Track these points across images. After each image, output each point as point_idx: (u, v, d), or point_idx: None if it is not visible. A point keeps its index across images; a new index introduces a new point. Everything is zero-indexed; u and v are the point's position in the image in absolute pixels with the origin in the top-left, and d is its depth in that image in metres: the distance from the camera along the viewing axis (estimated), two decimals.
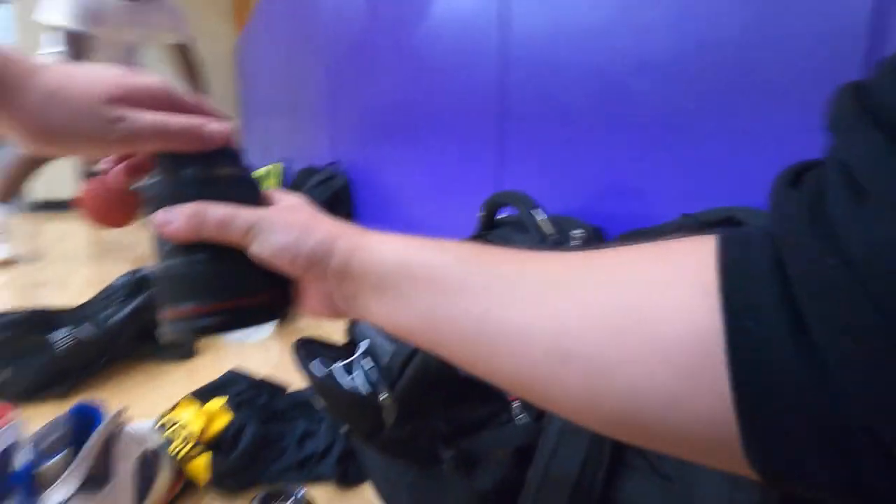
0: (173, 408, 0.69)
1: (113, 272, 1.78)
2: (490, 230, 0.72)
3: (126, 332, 0.98)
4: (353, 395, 0.49)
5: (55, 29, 1.83)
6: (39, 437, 0.51)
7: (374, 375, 0.60)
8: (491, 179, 0.93)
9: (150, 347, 1.02)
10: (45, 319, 0.90)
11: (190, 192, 0.27)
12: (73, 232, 2.70)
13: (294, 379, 0.92)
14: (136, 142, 0.26)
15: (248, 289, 0.28)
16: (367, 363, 0.63)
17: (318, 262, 0.26)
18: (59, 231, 2.74)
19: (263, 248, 0.26)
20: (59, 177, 3.44)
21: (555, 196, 0.77)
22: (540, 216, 0.62)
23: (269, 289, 0.29)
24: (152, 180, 0.28)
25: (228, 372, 0.81)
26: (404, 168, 1.32)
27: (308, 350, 0.55)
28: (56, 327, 0.88)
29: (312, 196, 1.60)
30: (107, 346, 0.95)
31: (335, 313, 0.28)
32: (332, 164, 1.74)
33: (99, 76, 0.26)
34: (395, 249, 0.26)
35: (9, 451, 0.50)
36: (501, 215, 0.75)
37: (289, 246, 0.26)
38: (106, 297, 1.08)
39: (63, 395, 0.86)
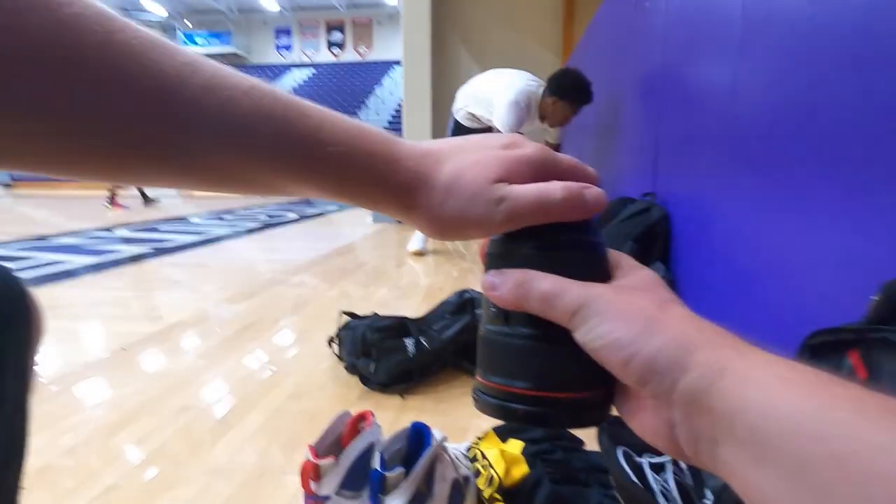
0: (481, 438, 0.75)
1: (450, 275, 2.16)
2: (892, 323, 0.51)
3: (453, 345, 1.14)
4: None
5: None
6: (386, 446, 0.62)
7: (690, 485, 0.50)
8: (886, 240, 0.66)
9: (469, 363, 1.16)
10: (403, 327, 1.13)
11: (525, 254, 0.24)
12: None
13: (589, 433, 0.88)
14: (518, 220, 0.24)
15: (563, 382, 0.23)
16: (680, 470, 0.53)
17: (661, 375, 0.19)
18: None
19: (590, 337, 0.21)
20: None
21: None
22: None
23: (592, 388, 0.23)
24: (497, 236, 0.26)
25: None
26: (743, 207, 1.10)
27: (613, 434, 0.50)
28: (409, 334, 1.10)
29: (625, 228, 1.53)
30: (439, 355, 1.13)
31: (674, 450, 0.20)
32: (648, 194, 1.62)
33: (486, 157, 0.25)
34: (792, 396, 0.17)
35: (371, 448, 0.64)
36: None
37: (622, 342, 0.20)
38: (440, 313, 1.30)
39: (405, 391, 1.06)
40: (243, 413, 0.99)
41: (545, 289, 0.22)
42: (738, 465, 0.17)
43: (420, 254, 2.74)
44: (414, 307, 1.69)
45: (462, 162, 0.25)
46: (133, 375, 1.19)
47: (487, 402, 0.25)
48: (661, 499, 0.44)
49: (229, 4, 18.67)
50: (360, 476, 0.62)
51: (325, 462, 0.61)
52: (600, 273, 0.24)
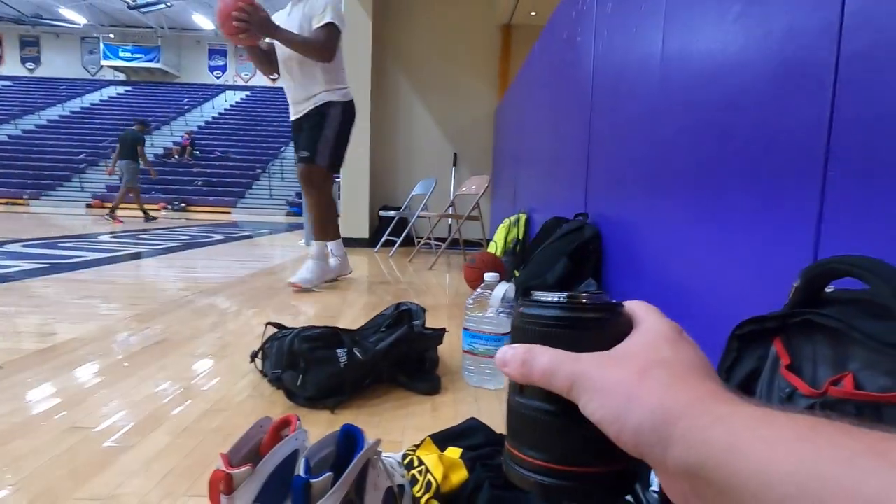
0: (417, 446, 0.69)
1: (384, 299, 2.10)
2: (813, 307, 0.53)
3: (387, 358, 1.08)
4: None
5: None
6: (312, 452, 0.56)
7: None
8: (796, 239, 0.72)
9: (403, 376, 1.11)
10: (335, 337, 1.06)
11: (532, 329, 0.25)
12: (362, 265, 3.32)
13: None
14: None
15: (577, 456, 0.23)
16: None
17: (649, 447, 0.19)
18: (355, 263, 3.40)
19: (587, 413, 0.21)
20: (355, 223, 4.34)
21: None
22: None
23: (607, 461, 0.22)
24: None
25: (470, 419, 0.80)
26: (667, 222, 1.16)
27: None
28: (341, 345, 1.03)
29: (560, 247, 1.56)
30: (373, 367, 1.06)
31: None
32: (581, 214, 1.68)
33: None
34: (780, 460, 0.16)
35: (294, 455, 0.57)
36: (830, 289, 0.55)
37: (608, 419, 0.21)
38: (375, 325, 1.24)
39: (336, 405, 0.98)
40: (144, 434, 0.87)
41: (543, 365, 0.23)
42: None
43: (304, 289, 2.24)
44: (347, 326, 1.61)
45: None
46: (8, 395, 1.01)
47: (510, 468, 0.26)
48: None
49: (159, 20, 17.90)
50: (281, 486, 0.54)
51: (240, 471, 0.53)
52: (607, 342, 0.23)
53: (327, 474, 0.52)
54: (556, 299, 0.24)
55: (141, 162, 7.36)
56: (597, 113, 1.65)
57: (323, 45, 2.13)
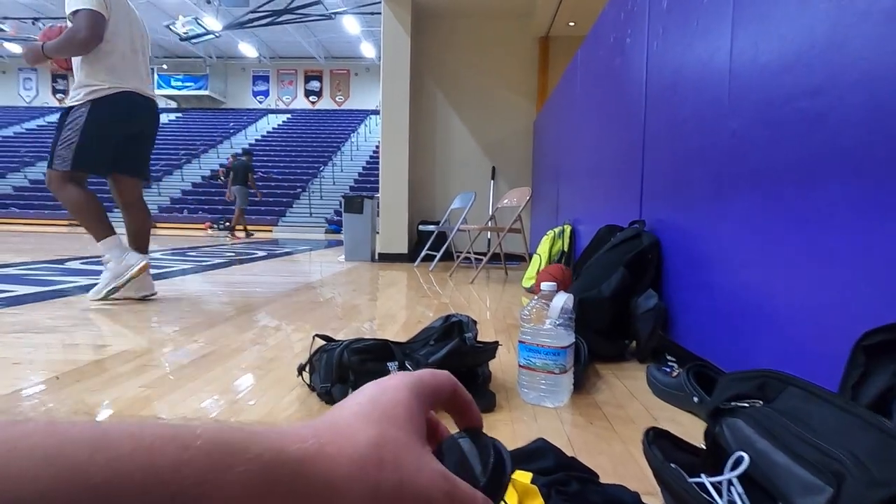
0: None
1: (425, 314, 2.05)
2: None
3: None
4: None
5: None
6: None
7: None
8: (885, 247, 0.62)
9: None
10: (386, 349, 1.01)
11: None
12: (401, 279, 3.30)
13: (600, 465, 0.77)
14: None
15: None
16: (739, 489, 0.43)
17: None
18: (395, 277, 3.39)
19: None
20: (394, 238, 4.34)
21: None
22: None
23: None
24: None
25: (538, 440, 0.72)
26: (739, 226, 1.06)
27: (661, 447, 0.40)
28: (392, 358, 0.98)
29: (615, 255, 1.47)
30: None
31: None
32: (636, 222, 1.59)
33: (409, 408, 0.25)
34: None
35: None
36: None
37: None
38: (425, 337, 1.18)
39: None
40: None
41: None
42: None
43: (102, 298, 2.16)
44: (391, 338, 1.56)
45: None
46: (65, 405, 1.01)
47: None
48: None
49: (208, 50, 18.93)
50: None
51: None
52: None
53: None
54: None
55: (250, 186, 8.68)
56: (652, 113, 1.57)
57: (68, 39, 1.98)
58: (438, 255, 3.81)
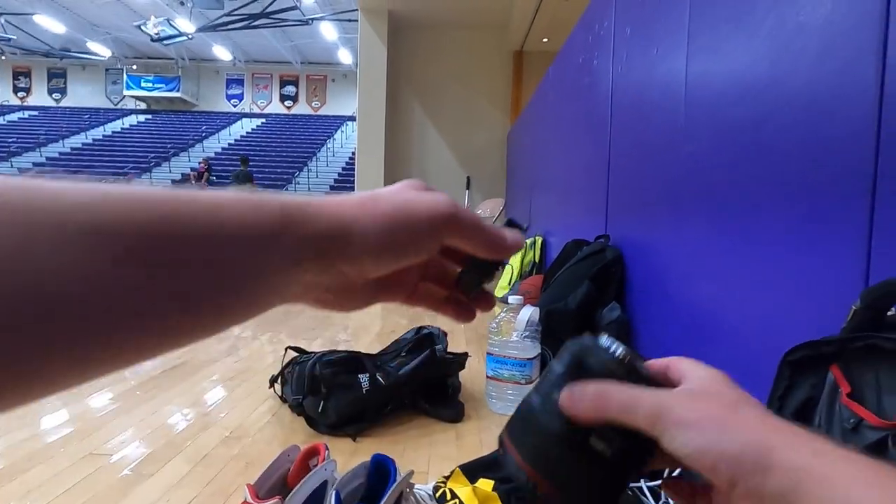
0: (447, 477, 0.66)
1: (399, 323, 2.07)
2: (876, 331, 0.50)
3: (410, 384, 1.05)
4: None
5: None
6: (343, 483, 0.53)
7: None
8: (843, 260, 0.69)
9: (425, 402, 1.07)
10: (358, 362, 1.04)
11: (596, 369, 0.24)
12: None
13: None
14: (461, 226, 0.24)
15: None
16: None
17: (748, 475, 0.20)
18: None
19: (675, 447, 0.21)
20: None
21: None
22: None
23: None
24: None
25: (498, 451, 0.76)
26: (694, 244, 1.13)
27: None
28: (363, 370, 1.01)
29: (581, 269, 1.54)
30: (395, 393, 1.04)
31: None
32: (602, 236, 1.65)
33: (436, 199, 0.25)
34: (870, 495, 0.18)
35: (324, 487, 0.54)
36: (892, 312, 0.51)
37: (704, 449, 0.21)
38: (396, 349, 1.21)
39: (358, 432, 0.95)
40: (164, 461, 0.84)
41: (623, 399, 0.23)
42: None
43: None
44: (363, 349, 1.58)
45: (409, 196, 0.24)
46: (26, 421, 1.00)
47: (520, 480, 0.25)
48: None
49: (180, 52, 18.56)
50: None
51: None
52: (662, 383, 0.24)
53: None
54: (618, 352, 0.24)
55: None
56: (617, 134, 1.64)
57: None
58: None
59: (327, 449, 0.57)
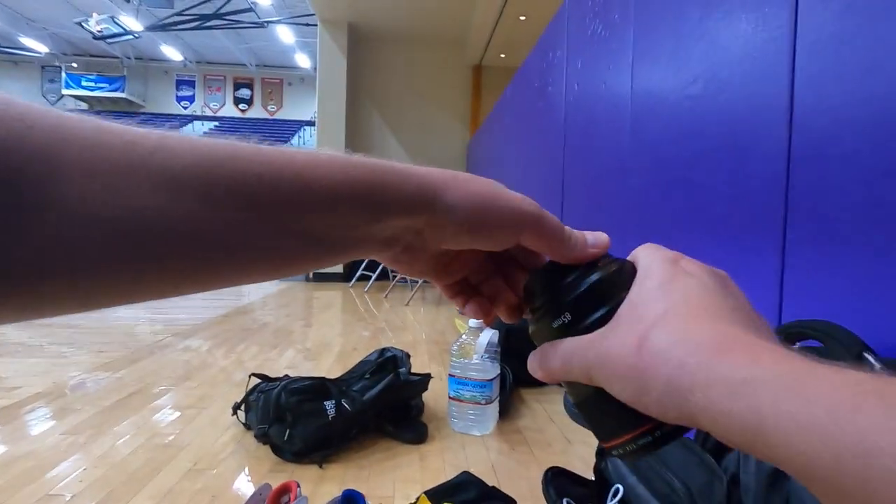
0: (414, 503, 0.70)
1: (362, 337, 2.09)
2: None
3: (374, 407, 1.09)
4: None
5: None
6: None
7: None
8: (762, 296, 0.78)
9: (389, 425, 1.11)
10: (323, 388, 1.06)
11: (542, 329, 0.24)
12: (336, 300, 3.29)
13: (520, 490, 0.87)
14: (540, 222, 0.24)
15: (630, 421, 0.21)
16: None
17: (681, 420, 0.18)
18: (329, 298, 3.37)
19: (614, 394, 0.20)
20: None
21: (881, 329, 0.58)
22: (873, 362, 0.47)
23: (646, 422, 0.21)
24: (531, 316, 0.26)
25: (462, 474, 0.81)
26: None
27: (558, 486, 0.50)
28: (329, 397, 1.03)
29: None
30: (360, 418, 1.06)
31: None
32: None
33: (525, 198, 0.25)
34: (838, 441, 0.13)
35: None
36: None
37: (631, 400, 0.19)
38: (359, 373, 1.24)
39: (324, 459, 0.98)
40: (124, 499, 0.84)
41: (558, 363, 0.22)
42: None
43: None
44: (326, 370, 1.59)
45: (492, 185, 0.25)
46: None
47: (620, 452, 0.24)
48: None
49: (125, 50, 17.71)
50: None
51: None
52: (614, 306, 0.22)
53: None
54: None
55: None
56: (570, 158, 1.74)
57: None
58: (374, 276, 3.85)
59: (298, 486, 0.60)
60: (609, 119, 1.40)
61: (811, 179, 0.70)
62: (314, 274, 4.36)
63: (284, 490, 0.60)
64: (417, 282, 3.49)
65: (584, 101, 1.62)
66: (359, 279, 4.06)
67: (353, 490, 0.59)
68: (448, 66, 4.72)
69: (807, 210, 0.71)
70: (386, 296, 3.52)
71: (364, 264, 4.01)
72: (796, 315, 0.72)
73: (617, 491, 0.52)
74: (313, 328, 2.38)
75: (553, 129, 1.91)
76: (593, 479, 0.59)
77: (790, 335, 0.56)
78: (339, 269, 4.35)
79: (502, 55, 4.47)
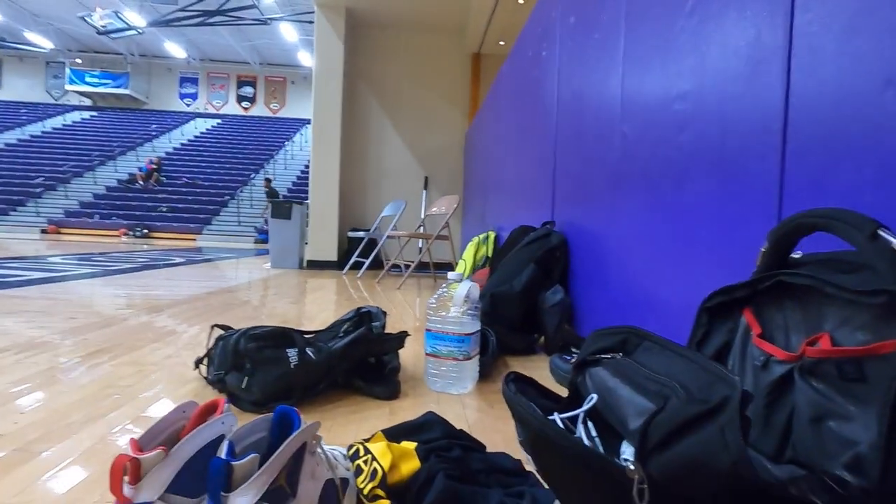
0: (368, 439, 0.63)
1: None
2: (782, 269, 0.50)
3: (344, 361, 1.01)
4: (587, 451, 0.34)
5: None
6: (240, 436, 0.49)
7: (601, 444, 0.44)
8: (758, 214, 0.70)
9: (360, 380, 1.03)
10: (286, 337, 0.98)
11: None
12: (329, 286, 3.22)
13: (493, 442, 0.79)
14: None
15: None
16: (592, 428, 0.47)
17: None
18: (322, 284, 3.30)
19: None
20: (324, 246, 4.25)
21: None
22: (889, 238, 0.40)
23: None
24: None
25: (427, 413, 0.73)
26: (627, 221, 1.15)
27: (520, 388, 0.43)
28: (293, 345, 0.95)
29: (527, 253, 1.54)
30: (326, 371, 0.99)
31: None
32: (548, 222, 1.67)
33: None
34: None
35: (219, 441, 0.50)
36: (798, 255, 0.52)
37: None
38: (334, 330, 1.17)
39: None
40: (60, 439, 0.77)
41: None
42: None
43: None
44: None
45: None
46: None
47: None
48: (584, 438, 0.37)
49: (129, 47, 17.75)
50: (200, 476, 0.47)
51: (149, 455, 0.45)
52: None
53: (252, 455, 0.45)
54: None
55: None
56: (563, 120, 1.67)
57: None
58: (367, 262, 3.78)
59: (228, 403, 0.53)
60: (602, 73, 1.33)
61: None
62: (308, 261, 4.29)
63: (211, 408, 0.52)
64: (409, 267, 3.42)
65: (577, 57, 1.55)
66: (352, 266, 3.99)
67: (289, 406, 0.52)
68: (447, 53, 4.66)
69: (807, 127, 0.63)
70: (378, 281, 3.45)
71: (358, 250, 3.94)
72: None
73: (590, 399, 0.44)
74: (300, 305, 2.30)
75: (546, 94, 1.84)
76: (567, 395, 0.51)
77: (796, 228, 0.48)
78: (332, 256, 4.29)
79: (501, 42, 4.41)
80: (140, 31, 13.67)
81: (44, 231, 10.82)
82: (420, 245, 4.40)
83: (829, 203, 0.61)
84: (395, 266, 3.70)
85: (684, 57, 0.94)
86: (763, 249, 0.53)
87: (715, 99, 0.83)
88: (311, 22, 4.78)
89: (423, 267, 3.57)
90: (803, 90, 0.65)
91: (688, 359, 0.43)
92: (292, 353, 0.95)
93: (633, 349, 0.51)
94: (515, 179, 2.40)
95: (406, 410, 0.97)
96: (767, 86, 0.70)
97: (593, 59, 1.41)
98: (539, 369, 1.31)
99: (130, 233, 11.08)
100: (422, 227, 3.84)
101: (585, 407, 0.44)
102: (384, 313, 1.19)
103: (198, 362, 1.07)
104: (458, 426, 0.80)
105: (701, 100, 0.88)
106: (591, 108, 1.41)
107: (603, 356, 0.50)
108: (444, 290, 1.11)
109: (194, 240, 11.14)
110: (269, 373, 0.91)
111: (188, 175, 14.08)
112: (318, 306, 2.31)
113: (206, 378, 1.05)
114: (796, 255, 0.53)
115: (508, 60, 2.72)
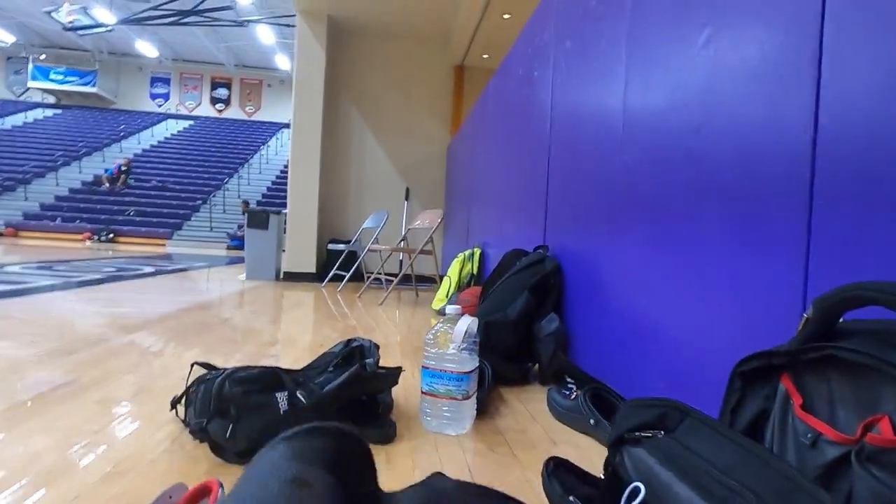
0: None
1: (330, 336, 1.94)
2: (828, 340, 0.47)
3: (336, 402, 0.95)
4: None
5: None
6: None
7: None
8: (781, 269, 0.68)
9: (355, 424, 0.97)
10: (275, 378, 0.92)
11: None
12: (307, 300, 3.13)
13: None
14: None
15: None
16: None
17: None
18: (300, 297, 3.20)
19: None
20: (302, 257, 4.14)
21: None
22: None
23: None
24: None
25: (435, 475, 0.68)
26: (630, 252, 1.12)
27: (561, 479, 0.38)
28: (281, 387, 0.89)
29: (521, 280, 1.50)
30: (319, 414, 0.92)
31: None
32: (541, 246, 1.64)
33: None
34: None
35: None
36: (841, 321, 0.49)
37: None
38: (322, 365, 1.10)
39: None
40: (20, 502, 0.68)
41: None
42: None
43: None
44: (291, 364, 1.44)
45: None
46: None
47: None
48: None
49: (98, 44, 17.16)
50: None
51: None
52: None
53: None
54: None
55: None
56: (556, 143, 1.64)
57: None
58: (348, 276, 3.69)
59: (221, 487, 0.46)
60: (600, 96, 1.31)
61: (841, 132, 0.61)
62: (285, 273, 4.18)
63: (203, 492, 0.46)
64: (392, 282, 3.35)
65: (573, 81, 1.53)
66: (332, 279, 3.89)
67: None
68: (430, 64, 4.63)
69: (838, 168, 0.61)
70: (359, 296, 3.37)
71: (338, 263, 3.85)
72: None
73: (636, 491, 0.40)
74: (280, 325, 2.21)
75: (539, 115, 1.82)
76: (601, 476, 0.47)
77: (849, 300, 0.45)
78: (311, 268, 4.18)
79: (485, 56, 4.41)
80: (109, 28, 13.23)
81: (0, 234, 10.30)
82: (401, 258, 4.34)
83: (864, 250, 0.59)
84: (377, 279, 3.63)
85: (693, 83, 0.92)
86: (807, 316, 0.50)
87: (729, 128, 0.81)
88: (288, 25, 4.67)
89: (405, 280, 3.51)
90: (833, 125, 0.63)
91: (746, 450, 0.39)
92: (281, 397, 0.88)
93: (674, 426, 0.47)
94: (503, 197, 2.37)
95: (403, 456, 0.91)
96: (791, 116, 0.68)
97: (591, 84, 1.39)
98: (535, 401, 1.27)
99: (95, 237, 10.65)
100: (404, 241, 3.77)
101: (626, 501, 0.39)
102: (377, 347, 1.13)
103: (174, 403, 0.99)
104: (458, 473, 0.75)
105: (713, 131, 0.86)
106: (588, 134, 1.39)
107: (642, 434, 0.46)
108: (441, 326, 1.06)
109: (164, 245, 10.78)
110: (256, 420, 0.84)
111: (158, 178, 13.66)
112: (298, 325, 2.22)
113: (182, 420, 0.97)
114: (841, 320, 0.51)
115: (496, 77, 2.70)
